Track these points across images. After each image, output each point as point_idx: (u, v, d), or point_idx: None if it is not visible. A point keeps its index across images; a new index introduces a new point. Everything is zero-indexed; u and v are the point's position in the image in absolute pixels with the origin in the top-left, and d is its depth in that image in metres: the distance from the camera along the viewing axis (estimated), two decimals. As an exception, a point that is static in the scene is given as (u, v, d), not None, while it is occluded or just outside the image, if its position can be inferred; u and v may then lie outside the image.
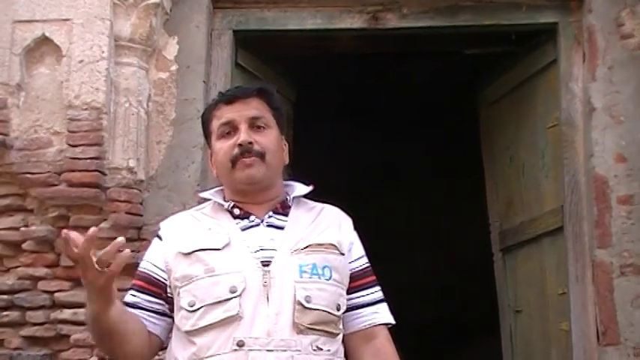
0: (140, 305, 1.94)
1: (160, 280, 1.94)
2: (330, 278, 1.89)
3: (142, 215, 3.30)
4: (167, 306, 1.94)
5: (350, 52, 4.10)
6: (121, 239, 1.71)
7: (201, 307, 1.83)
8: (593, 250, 3.36)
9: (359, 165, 6.28)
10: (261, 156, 1.93)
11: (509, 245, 4.11)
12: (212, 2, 3.58)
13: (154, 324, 1.95)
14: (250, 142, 1.93)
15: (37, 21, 3.32)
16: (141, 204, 3.32)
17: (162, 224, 2.04)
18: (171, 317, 1.94)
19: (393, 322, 2.05)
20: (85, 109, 3.25)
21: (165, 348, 1.98)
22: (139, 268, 1.99)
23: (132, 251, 3.08)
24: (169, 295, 1.92)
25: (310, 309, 1.83)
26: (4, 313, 3.21)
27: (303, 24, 3.65)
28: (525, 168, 3.98)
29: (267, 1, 3.63)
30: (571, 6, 3.59)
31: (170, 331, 1.96)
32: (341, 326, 1.94)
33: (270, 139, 1.98)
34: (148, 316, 1.94)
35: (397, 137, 6.19)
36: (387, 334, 2.03)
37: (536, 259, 3.86)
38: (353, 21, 3.65)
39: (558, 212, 3.58)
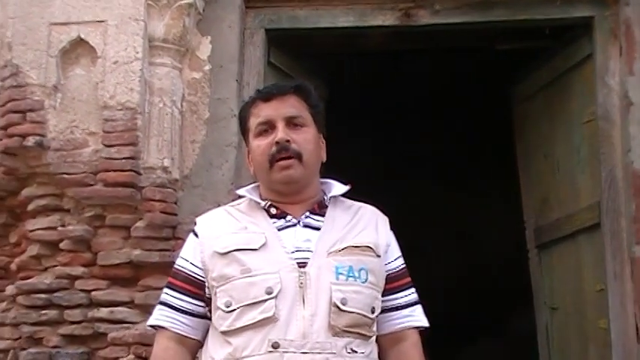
0: (184, 309, 1.94)
1: (200, 281, 1.94)
2: (365, 281, 1.88)
3: (176, 214, 3.32)
4: (207, 307, 1.94)
5: (382, 49, 4.09)
6: None
7: (238, 307, 1.83)
8: (631, 247, 3.32)
9: (388, 160, 6.27)
10: (299, 156, 1.93)
11: (545, 242, 4.07)
12: (244, 1, 3.59)
13: (195, 330, 1.95)
14: (287, 141, 1.92)
15: (72, 23, 3.36)
16: (175, 203, 3.34)
17: (198, 220, 2.03)
18: (210, 318, 1.95)
19: (427, 324, 2.05)
20: (120, 110, 3.28)
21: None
22: (177, 266, 1.99)
23: (167, 250, 3.20)
24: (208, 295, 1.93)
25: (346, 311, 1.83)
26: (43, 311, 3.25)
27: (335, 22, 3.64)
28: (560, 164, 3.93)
29: (299, -1, 3.64)
30: (607, -1, 3.55)
31: (208, 330, 1.97)
32: (375, 328, 1.93)
33: (308, 138, 1.97)
34: (191, 321, 1.95)
35: (428, 133, 6.18)
36: (417, 338, 2.02)
37: (572, 256, 3.82)
38: (385, 18, 3.63)
39: (595, 208, 3.54)
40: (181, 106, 3.43)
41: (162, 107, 3.36)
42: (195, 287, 1.94)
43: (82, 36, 3.35)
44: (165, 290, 1.99)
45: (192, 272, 1.95)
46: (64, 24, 3.36)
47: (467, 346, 6.12)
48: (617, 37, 3.49)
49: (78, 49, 3.38)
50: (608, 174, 3.44)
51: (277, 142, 1.92)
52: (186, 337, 1.95)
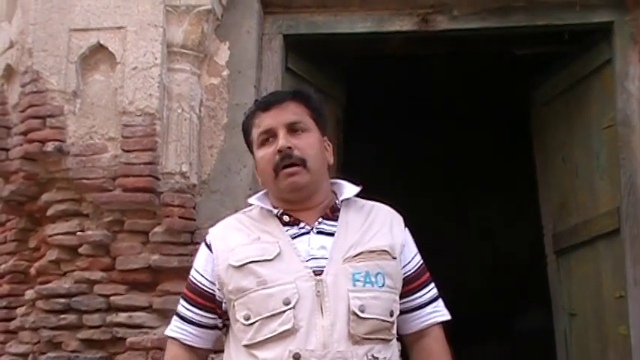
0: (193, 320, 1.97)
1: (213, 296, 1.94)
2: (383, 285, 1.87)
3: (194, 220, 3.33)
4: (219, 320, 1.96)
5: (400, 53, 4.09)
6: None
7: (257, 320, 1.83)
8: (651, 253, 3.30)
9: (407, 162, 6.27)
10: (303, 162, 1.91)
11: (564, 247, 4.05)
12: (262, 7, 3.60)
13: (205, 340, 1.98)
14: (289, 147, 1.91)
15: (92, 29, 3.38)
16: (194, 208, 3.35)
17: (211, 231, 2.02)
18: (221, 328, 1.96)
19: (449, 317, 2.04)
20: (139, 115, 3.29)
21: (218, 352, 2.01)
22: (191, 277, 2.00)
23: (185, 255, 3.21)
24: (224, 309, 1.93)
25: (365, 318, 1.82)
26: (62, 316, 3.27)
27: (354, 27, 3.65)
28: (579, 169, 3.91)
29: (318, 5, 3.64)
30: (627, 4, 3.52)
31: (218, 338, 1.99)
32: (394, 331, 1.92)
33: (310, 143, 1.95)
34: (200, 332, 1.97)
35: (446, 136, 6.17)
36: (439, 332, 2.02)
37: (591, 262, 3.80)
38: (403, 24, 3.63)
39: (614, 214, 3.51)
40: (200, 111, 3.45)
41: (181, 113, 3.38)
42: (207, 300, 1.95)
43: (102, 42, 3.38)
44: (180, 301, 2.01)
45: (204, 286, 1.95)
46: (83, 30, 3.39)
47: (472, 346, 6.11)
48: (637, 42, 3.48)
49: (97, 54, 3.40)
50: (628, 180, 3.42)
51: (279, 151, 1.91)
52: (195, 347, 1.98)
